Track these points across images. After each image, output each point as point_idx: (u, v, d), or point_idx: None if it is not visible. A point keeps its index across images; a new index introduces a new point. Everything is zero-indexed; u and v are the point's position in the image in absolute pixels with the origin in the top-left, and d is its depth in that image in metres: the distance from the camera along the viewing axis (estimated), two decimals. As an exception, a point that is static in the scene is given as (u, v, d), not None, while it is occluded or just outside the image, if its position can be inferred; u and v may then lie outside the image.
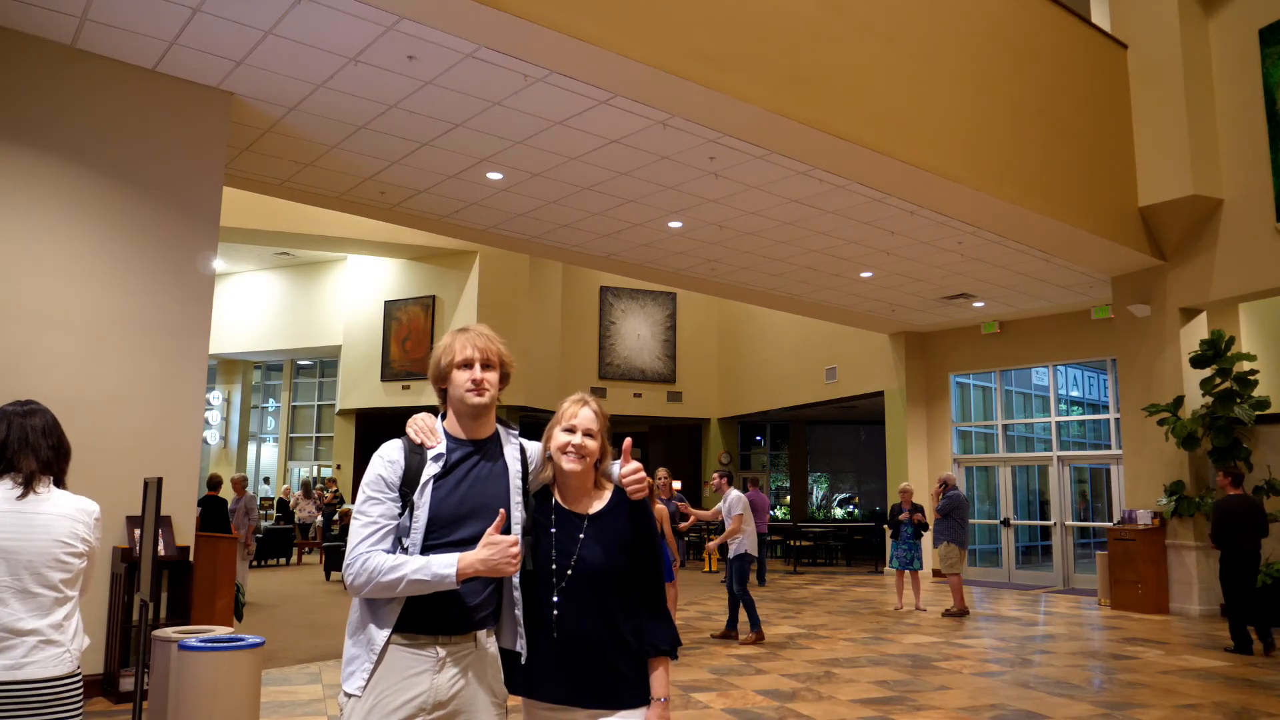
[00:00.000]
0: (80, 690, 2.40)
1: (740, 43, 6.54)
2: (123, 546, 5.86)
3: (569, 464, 2.17)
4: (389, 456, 2.12)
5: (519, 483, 2.18)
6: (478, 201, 9.03)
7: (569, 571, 2.13)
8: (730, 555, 8.50)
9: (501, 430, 2.25)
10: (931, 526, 10.75)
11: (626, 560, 2.17)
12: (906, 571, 10.69)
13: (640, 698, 2.18)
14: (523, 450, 2.25)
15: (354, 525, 2.06)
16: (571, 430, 2.19)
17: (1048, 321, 13.59)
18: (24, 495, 2.35)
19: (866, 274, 11.50)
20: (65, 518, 2.40)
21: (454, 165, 8.06)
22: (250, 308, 20.02)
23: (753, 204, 8.96)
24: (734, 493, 8.77)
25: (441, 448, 2.13)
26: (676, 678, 6.56)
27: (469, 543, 2.04)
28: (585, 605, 2.11)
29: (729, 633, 8.45)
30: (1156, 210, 10.22)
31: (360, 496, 2.10)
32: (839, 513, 21.67)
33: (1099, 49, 10.23)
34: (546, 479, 2.24)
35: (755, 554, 8.69)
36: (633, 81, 6.27)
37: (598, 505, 2.22)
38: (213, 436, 20.41)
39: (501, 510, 2.08)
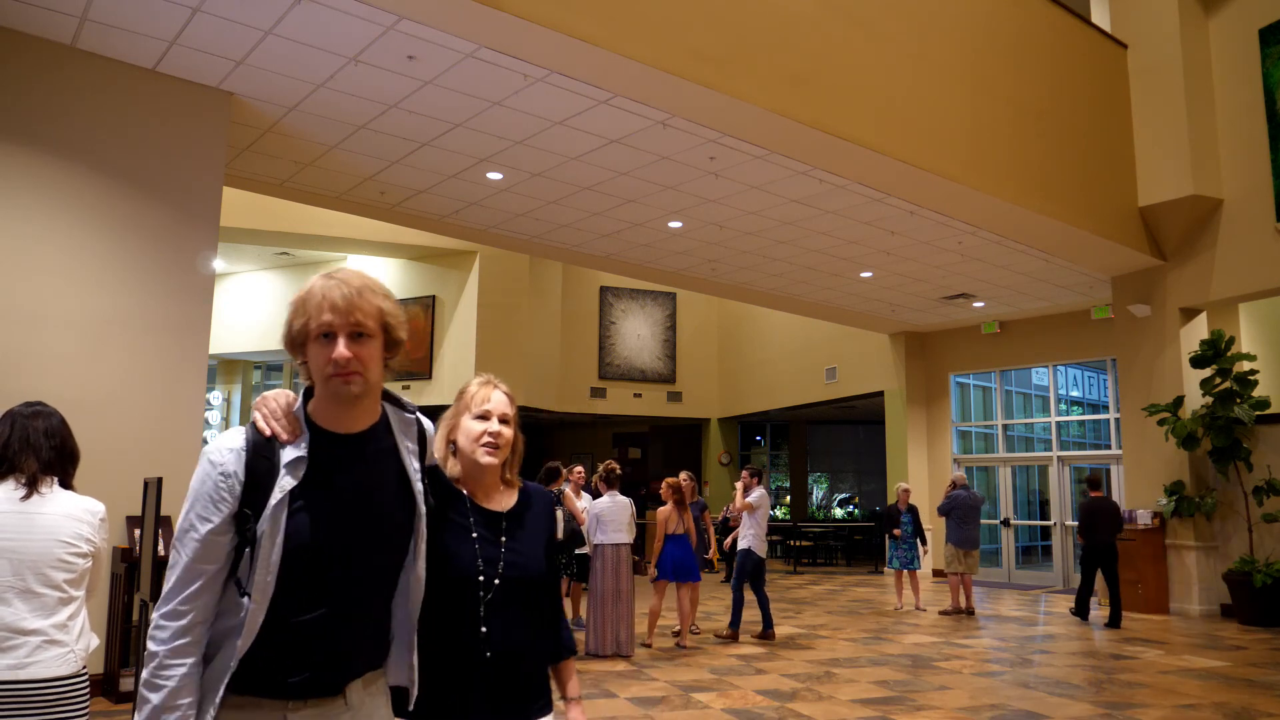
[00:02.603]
0: (86, 691, 2.38)
1: (740, 43, 6.54)
2: (123, 546, 5.87)
3: (486, 457, 1.86)
4: (220, 461, 1.50)
5: (420, 485, 1.68)
6: (478, 201, 9.03)
7: (496, 580, 1.84)
8: (739, 549, 8.56)
9: (390, 412, 1.68)
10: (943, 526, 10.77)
11: (547, 562, 1.96)
12: (906, 571, 10.71)
13: (549, 703, 1.96)
14: (421, 435, 1.75)
15: (170, 568, 1.49)
16: (485, 417, 1.88)
17: (1048, 321, 13.59)
18: (27, 496, 2.35)
19: (866, 274, 11.50)
20: (69, 517, 2.40)
21: (454, 165, 8.06)
22: (250, 308, 20.02)
23: (753, 204, 8.96)
24: (758, 490, 8.73)
25: (302, 446, 1.54)
26: (677, 677, 6.56)
27: (348, 591, 1.54)
28: (514, 616, 1.86)
29: (765, 633, 8.43)
30: (1156, 210, 10.22)
31: (180, 522, 1.50)
32: (839, 513, 21.67)
33: (1099, 49, 10.22)
34: (454, 475, 1.90)
35: (759, 553, 8.64)
36: (633, 81, 6.27)
37: (510, 502, 1.95)
38: (213, 436, 20.39)
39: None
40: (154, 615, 1.47)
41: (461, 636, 1.79)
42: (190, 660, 1.46)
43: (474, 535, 1.86)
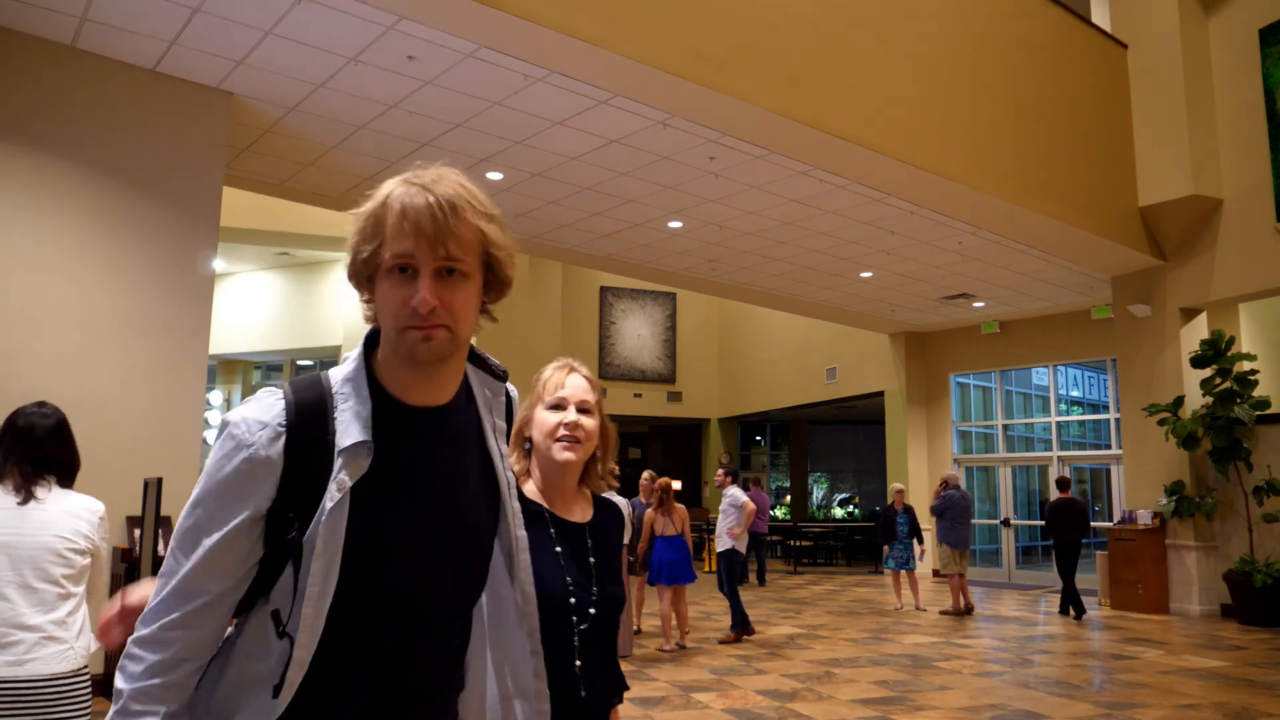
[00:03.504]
0: (87, 689, 2.38)
1: (740, 43, 6.54)
2: (123, 547, 5.87)
3: (563, 453, 1.56)
4: (251, 440, 1.09)
5: (509, 475, 1.31)
6: (478, 201, 9.02)
7: (591, 609, 1.54)
8: (718, 551, 8.57)
9: (473, 376, 1.29)
10: (934, 526, 10.80)
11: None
12: (903, 571, 10.72)
13: None
14: (509, 411, 1.37)
15: (162, 576, 1.09)
16: (560, 406, 1.58)
17: (1048, 321, 13.59)
18: (25, 498, 2.35)
19: (866, 274, 11.50)
20: (67, 514, 2.40)
21: (454, 165, 8.03)
22: (250, 308, 20.02)
23: (753, 204, 8.96)
24: (734, 489, 8.77)
25: (362, 428, 1.12)
26: (677, 677, 6.56)
27: (425, 627, 1.17)
28: (602, 649, 1.57)
29: (733, 630, 8.44)
30: (1156, 210, 10.22)
31: (184, 517, 1.10)
32: (839, 513, 21.67)
33: (1099, 49, 10.22)
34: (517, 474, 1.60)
35: (742, 551, 8.71)
36: (633, 81, 6.27)
37: (589, 511, 1.67)
38: (213, 436, 20.38)
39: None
40: (129, 640, 1.09)
41: (552, 675, 1.38)
42: (163, 711, 1.05)
43: (557, 550, 1.56)
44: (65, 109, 5.93)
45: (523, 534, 1.30)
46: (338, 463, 1.10)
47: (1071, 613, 9.99)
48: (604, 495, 1.75)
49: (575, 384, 1.62)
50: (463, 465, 1.22)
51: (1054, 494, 10.75)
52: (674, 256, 10.92)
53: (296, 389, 1.14)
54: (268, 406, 1.12)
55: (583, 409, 1.60)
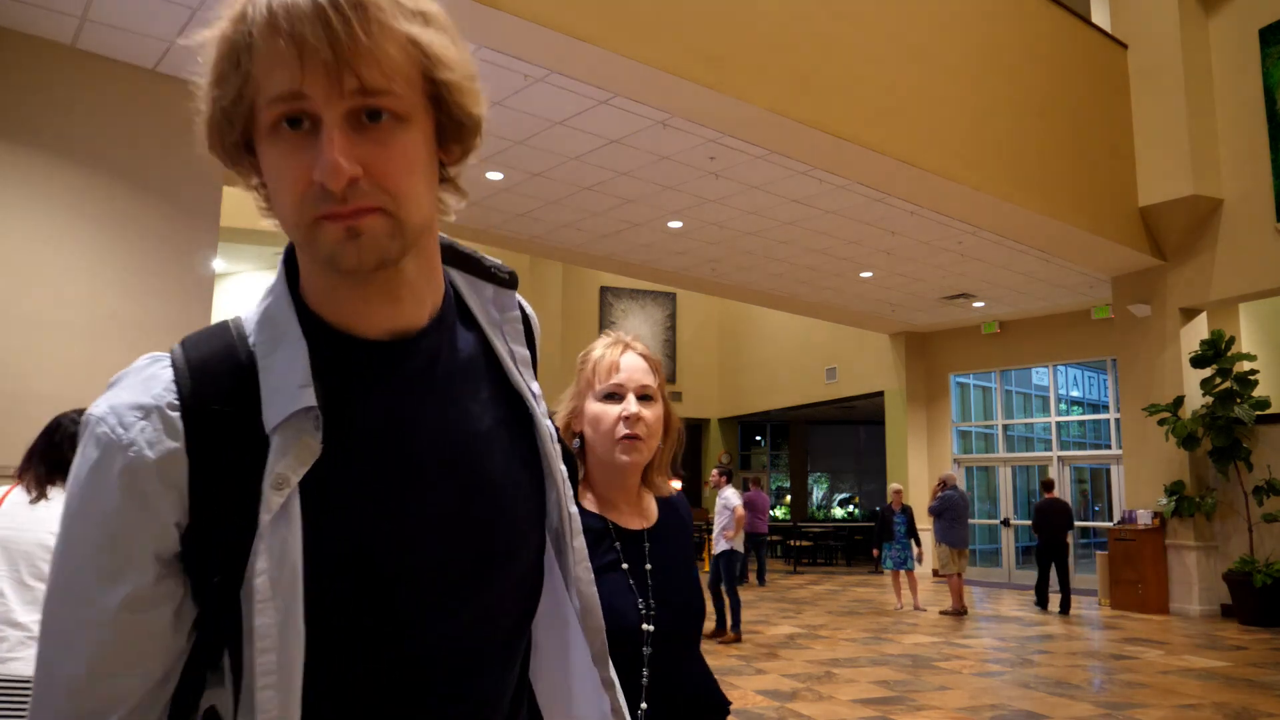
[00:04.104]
0: None
1: (740, 43, 6.54)
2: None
3: (623, 455, 1.28)
4: (128, 436, 0.69)
5: (549, 423, 0.90)
6: (478, 201, 9.03)
7: (650, 629, 1.30)
8: (716, 552, 8.56)
9: (463, 286, 0.88)
10: (932, 526, 10.85)
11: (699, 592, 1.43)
12: (902, 571, 10.75)
13: None
14: (527, 322, 0.97)
15: (37, 682, 0.67)
16: (617, 395, 1.29)
17: (1048, 321, 13.59)
18: (37, 496, 2.39)
19: (866, 274, 11.50)
20: None
21: (454, 165, 8.06)
22: (250, 308, 20.02)
23: (753, 204, 8.96)
24: (728, 490, 8.79)
25: (300, 385, 0.71)
26: (676, 678, 6.56)
27: (441, 669, 0.76)
28: (672, 665, 1.33)
29: (719, 631, 8.44)
30: (1156, 210, 10.22)
31: (53, 579, 0.68)
32: (839, 513, 21.68)
33: (1099, 49, 10.23)
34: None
35: (740, 550, 8.73)
36: (633, 81, 6.27)
37: (652, 514, 1.40)
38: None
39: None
40: None
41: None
42: None
43: (624, 568, 1.30)
44: (65, 109, 5.93)
45: (574, 508, 0.89)
46: (272, 448, 0.69)
47: (1036, 598, 10.72)
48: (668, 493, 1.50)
49: (632, 365, 1.32)
50: (468, 416, 0.80)
51: (1057, 494, 10.89)
52: (674, 256, 10.92)
53: (190, 345, 0.74)
54: (145, 381, 0.71)
55: (643, 395, 1.31)
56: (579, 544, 0.90)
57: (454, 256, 0.88)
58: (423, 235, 0.76)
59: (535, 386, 0.91)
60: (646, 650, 1.29)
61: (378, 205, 0.69)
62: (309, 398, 0.71)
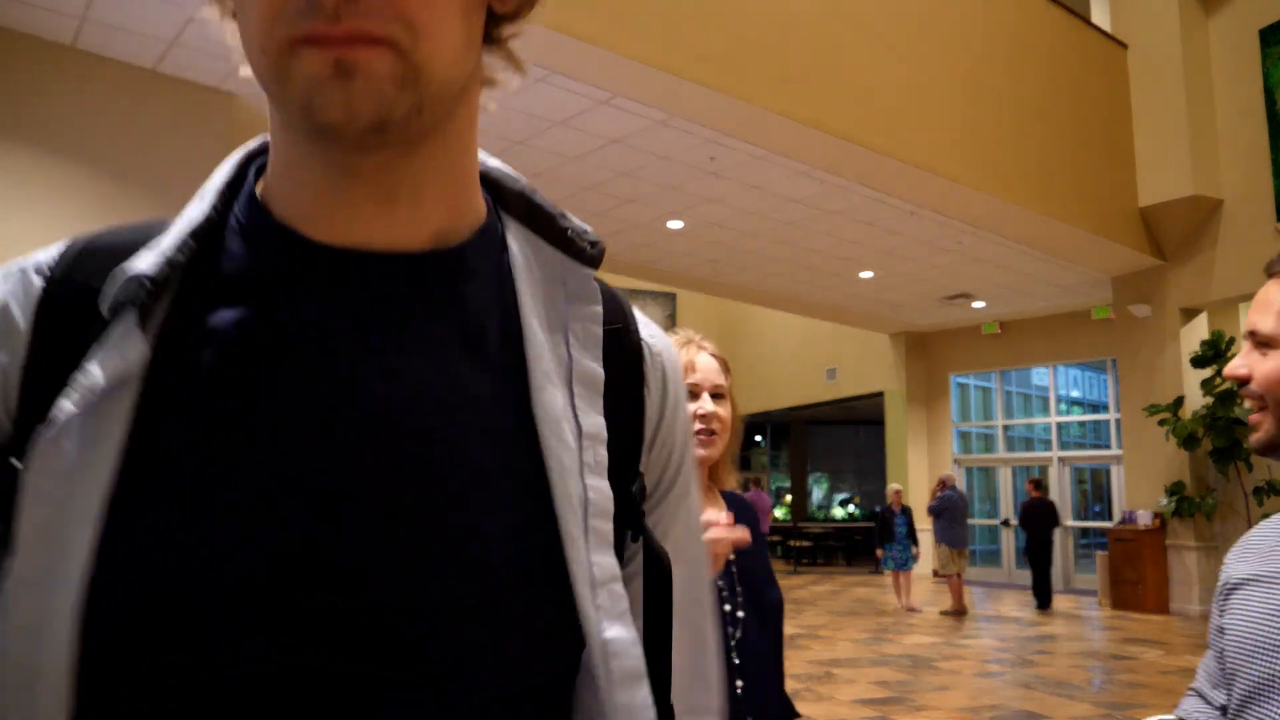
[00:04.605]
0: None
1: (740, 43, 6.54)
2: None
3: (700, 450, 1.27)
4: None
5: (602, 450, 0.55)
6: (478, 201, 9.03)
7: (741, 613, 1.32)
8: None
9: (518, 237, 0.60)
10: (931, 526, 10.86)
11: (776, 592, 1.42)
12: (902, 571, 10.76)
13: None
14: (623, 310, 0.63)
15: None
16: (692, 394, 1.23)
17: (1048, 321, 13.59)
18: None
19: (866, 274, 11.50)
20: None
21: (454, 165, 8.07)
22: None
23: (753, 204, 8.96)
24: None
25: (175, 245, 0.54)
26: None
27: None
28: (767, 666, 1.34)
29: None
30: (1156, 210, 10.22)
31: None
32: (839, 513, 21.68)
33: (1099, 49, 10.23)
34: None
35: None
36: (633, 81, 6.27)
37: (721, 513, 1.36)
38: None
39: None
40: None
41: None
42: None
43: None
44: (65, 109, 5.94)
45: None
46: (103, 342, 0.50)
47: (1036, 600, 10.80)
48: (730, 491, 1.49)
49: (707, 366, 1.28)
50: (434, 386, 0.53)
51: (1057, 494, 10.99)
52: (674, 256, 10.92)
53: (117, 229, 0.61)
54: (47, 248, 0.57)
55: (716, 394, 1.28)
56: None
57: (516, 201, 0.60)
58: (447, 102, 0.52)
59: (592, 421, 0.56)
60: (736, 634, 1.28)
61: (384, 34, 0.46)
62: (145, 263, 0.51)
